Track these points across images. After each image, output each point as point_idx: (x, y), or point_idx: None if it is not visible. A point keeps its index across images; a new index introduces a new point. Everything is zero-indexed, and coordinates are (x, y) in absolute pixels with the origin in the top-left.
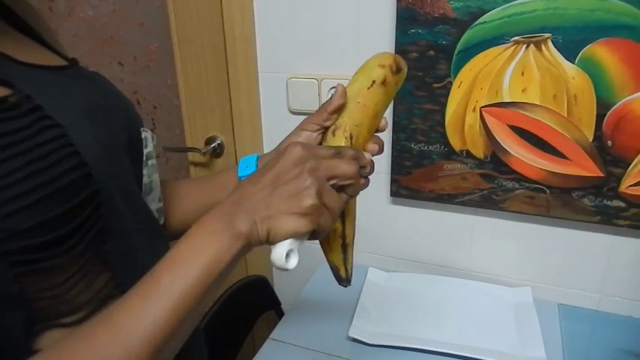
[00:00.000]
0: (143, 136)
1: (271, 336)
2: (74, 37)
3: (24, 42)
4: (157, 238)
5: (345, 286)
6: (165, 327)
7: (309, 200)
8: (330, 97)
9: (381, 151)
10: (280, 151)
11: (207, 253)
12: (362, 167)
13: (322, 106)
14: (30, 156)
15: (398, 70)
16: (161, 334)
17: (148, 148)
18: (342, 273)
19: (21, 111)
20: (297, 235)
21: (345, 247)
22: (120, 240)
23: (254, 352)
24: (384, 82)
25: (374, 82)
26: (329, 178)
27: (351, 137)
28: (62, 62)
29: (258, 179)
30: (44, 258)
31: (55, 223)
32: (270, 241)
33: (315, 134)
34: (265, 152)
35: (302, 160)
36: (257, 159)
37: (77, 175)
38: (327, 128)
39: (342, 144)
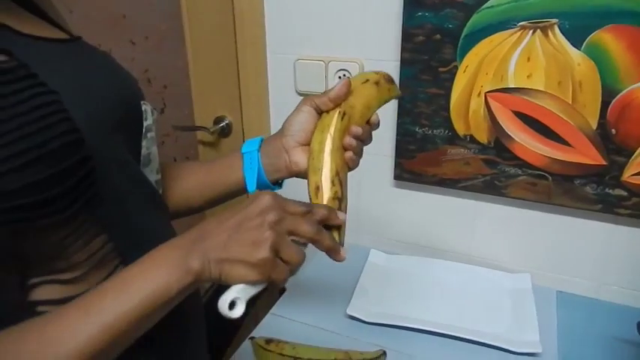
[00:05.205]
0: (143, 109)
1: (272, 311)
2: (86, 17)
3: (28, 17)
4: (155, 206)
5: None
6: (98, 345)
7: (261, 253)
8: (335, 85)
9: (379, 124)
10: (252, 196)
11: (155, 281)
12: (336, 225)
13: (326, 91)
14: (21, 120)
15: (390, 81)
16: (91, 351)
17: (148, 121)
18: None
19: (16, 76)
20: (246, 283)
21: (339, 227)
22: (115, 206)
23: (256, 326)
24: (377, 83)
25: (368, 80)
26: (289, 233)
27: (343, 114)
28: (65, 36)
29: (224, 220)
30: (36, 217)
31: (45, 185)
32: (221, 281)
33: (315, 112)
34: (272, 133)
35: (267, 211)
36: (261, 140)
37: (68, 140)
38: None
39: (335, 119)
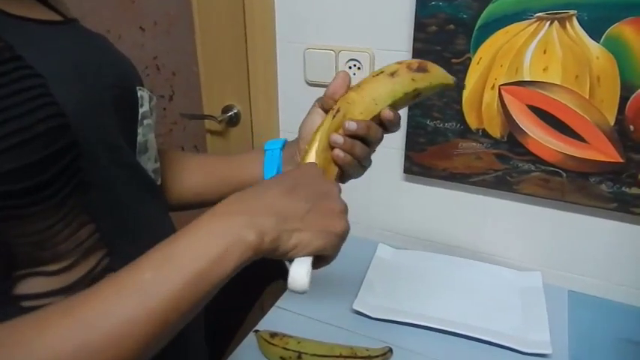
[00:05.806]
0: (139, 95)
1: (277, 304)
2: (96, 2)
3: None
4: (151, 195)
5: None
6: (134, 332)
7: (344, 222)
8: (333, 80)
9: (397, 122)
10: (297, 167)
11: (209, 257)
12: None
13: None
14: (4, 103)
15: (419, 69)
16: (127, 338)
17: (144, 108)
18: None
19: (0, 58)
20: (320, 253)
21: None
22: (104, 192)
23: (261, 319)
24: (393, 74)
25: (382, 72)
26: None
27: (337, 111)
28: (59, 18)
29: (278, 184)
30: (22, 204)
31: (31, 170)
32: (287, 255)
33: (323, 111)
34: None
35: (323, 181)
36: (285, 141)
37: (53, 124)
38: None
39: (328, 117)
